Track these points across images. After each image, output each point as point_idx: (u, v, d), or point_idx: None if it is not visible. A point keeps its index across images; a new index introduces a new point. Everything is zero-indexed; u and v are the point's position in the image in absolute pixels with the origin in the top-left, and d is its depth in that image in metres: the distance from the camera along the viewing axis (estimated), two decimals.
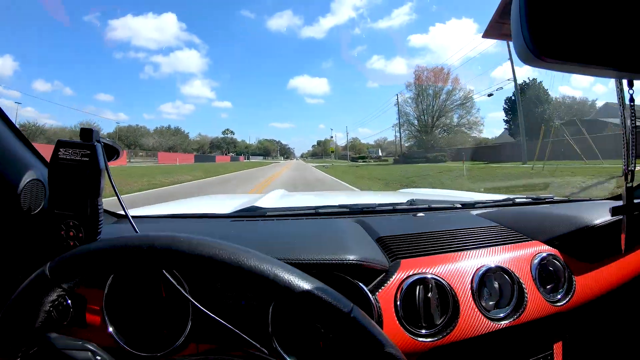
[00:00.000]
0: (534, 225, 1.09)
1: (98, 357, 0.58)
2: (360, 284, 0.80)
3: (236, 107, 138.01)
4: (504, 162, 23.58)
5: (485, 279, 0.89)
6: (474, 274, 0.89)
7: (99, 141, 0.69)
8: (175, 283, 0.74)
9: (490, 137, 46.24)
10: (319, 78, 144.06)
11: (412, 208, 1.43)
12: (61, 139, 0.67)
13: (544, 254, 0.97)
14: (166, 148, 66.19)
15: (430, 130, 44.28)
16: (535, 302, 0.90)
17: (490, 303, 0.87)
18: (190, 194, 2.36)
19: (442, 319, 0.82)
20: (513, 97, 36.30)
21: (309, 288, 0.54)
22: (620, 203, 1.01)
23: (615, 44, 0.39)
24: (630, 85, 0.64)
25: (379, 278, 0.86)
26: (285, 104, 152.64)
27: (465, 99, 42.91)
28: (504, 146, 32.84)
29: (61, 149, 0.67)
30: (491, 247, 0.97)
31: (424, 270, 0.86)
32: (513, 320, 0.87)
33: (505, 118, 40.47)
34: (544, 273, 0.95)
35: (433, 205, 1.45)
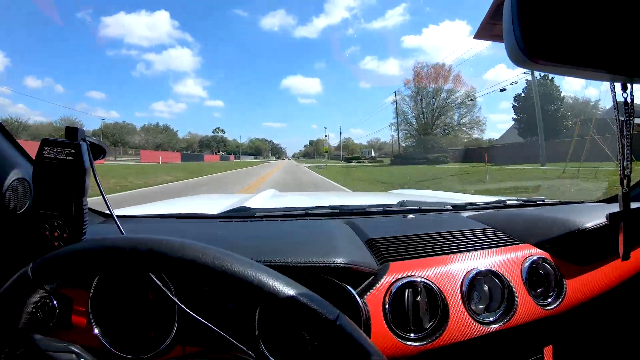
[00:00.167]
0: (524, 228, 1.10)
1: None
2: (348, 287, 0.81)
3: (229, 106, 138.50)
4: (518, 165, 22.09)
5: (475, 283, 0.89)
6: (464, 277, 0.89)
7: (84, 140, 0.70)
8: (161, 285, 0.75)
9: (488, 139, 45.49)
10: (311, 78, 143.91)
11: (402, 209, 1.42)
12: (46, 138, 0.68)
13: (535, 257, 0.98)
14: (153, 146, 65.51)
15: (430, 129, 41.84)
16: (526, 306, 0.91)
17: (480, 307, 0.88)
18: (160, 199, 2.20)
19: (431, 323, 0.83)
20: (523, 94, 33.58)
21: (294, 294, 0.54)
22: (613, 205, 1.03)
23: (608, 47, 0.38)
24: (624, 88, 0.63)
25: (367, 281, 0.86)
26: (278, 104, 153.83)
27: (467, 97, 40.39)
28: (513, 147, 31.04)
29: (46, 148, 0.68)
30: (481, 250, 0.98)
31: (413, 274, 0.87)
32: (503, 324, 0.87)
33: (515, 117, 38.61)
34: (535, 276, 0.96)
35: (424, 207, 1.44)
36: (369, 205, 1.42)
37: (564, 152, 16.95)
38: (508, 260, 0.97)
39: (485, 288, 0.90)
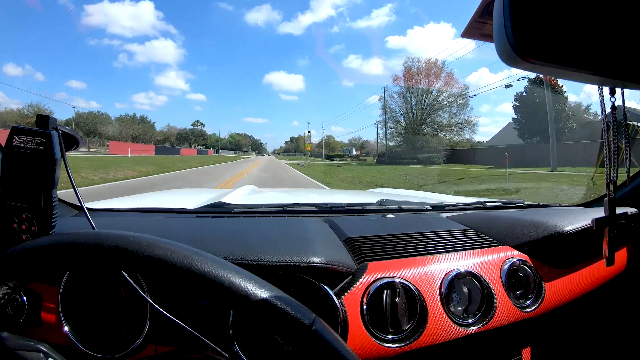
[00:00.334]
0: (504, 230, 1.13)
1: (50, 359, 0.58)
2: (325, 287, 0.81)
3: (210, 100, 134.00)
4: (523, 168, 21.21)
5: (454, 284, 0.91)
6: (443, 278, 0.91)
7: (55, 129, 0.68)
8: (132, 282, 0.73)
9: (477, 141, 44.67)
10: (294, 75, 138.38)
11: (381, 209, 1.43)
12: (16, 126, 0.67)
13: (514, 260, 1.01)
14: (128, 138, 63.46)
15: (419, 128, 39.92)
16: (505, 308, 0.93)
17: (459, 308, 0.90)
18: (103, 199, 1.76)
19: (409, 325, 0.84)
20: (525, 93, 31.52)
21: (267, 297, 0.52)
22: (592, 210, 1.11)
23: (600, 49, 0.38)
24: (612, 92, 0.66)
25: (345, 281, 0.86)
26: (260, 99, 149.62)
27: (460, 96, 38.54)
28: (513, 149, 30.34)
29: (15, 136, 0.66)
30: (461, 252, 1.00)
31: (391, 274, 0.88)
32: (482, 326, 0.89)
33: (515, 117, 36.98)
34: (514, 278, 0.99)
35: (403, 207, 1.45)
36: (348, 204, 1.43)
37: (571, 155, 15.81)
38: (487, 262, 0.99)
39: (465, 290, 0.92)
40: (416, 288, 0.86)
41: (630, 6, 0.37)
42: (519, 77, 29.42)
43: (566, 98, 32.20)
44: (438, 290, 0.89)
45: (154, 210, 1.35)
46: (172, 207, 1.40)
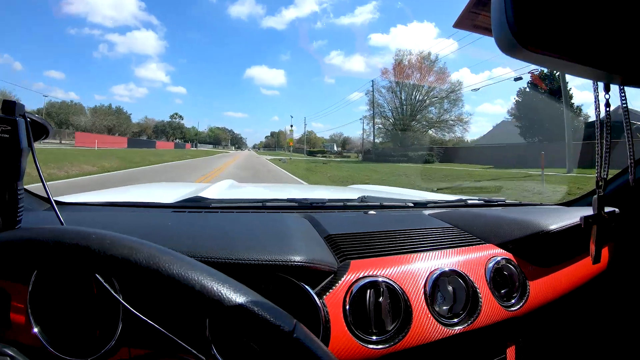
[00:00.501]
0: (488, 228, 1.14)
1: None
2: (306, 286, 0.80)
3: (191, 93, 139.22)
4: (531, 169, 19.97)
5: (438, 283, 0.91)
6: (428, 277, 0.91)
7: (23, 116, 0.64)
8: (102, 280, 0.70)
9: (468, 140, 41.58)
10: (276, 69, 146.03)
11: (363, 205, 1.43)
12: None
13: (499, 258, 1.02)
14: (102, 129, 61.76)
15: (409, 124, 37.21)
16: (490, 307, 0.94)
17: (444, 308, 0.90)
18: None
19: (393, 325, 0.83)
20: (528, 89, 29.63)
21: (244, 302, 0.50)
22: (573, 209, 1.17)
23: (601, 42, 0.37)
24: (607, 89, 0.66)
25: (326, 280, 0.85)
26: (241, 94, 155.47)
27: (452, 91, 36.55)
28: (514, 148, 29.93)
29: None
30: (445, 250, 1.01)
31: (375, 273, 0.87)
32: (467, 325, 0.90)
33: (517, 114, 36.39)
34: (498, 277, 1.00)
35: (385, 203, 1.45)
36: (329, 200, 1.43)
37: (581, 156, 16.50)
38: (472, 260, 0.99)
39: (449, 289, 0.92)
40: (400, 287, 0.86)
41: (636, 2, 0.36)
42: (531, 69, 28.54)
43: (572, 96, 30.80)
44: (422, 290, 0.89)
45: (129, 205, 1.32)
46: (148, 201, 1.37)
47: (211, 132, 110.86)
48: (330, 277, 0.85)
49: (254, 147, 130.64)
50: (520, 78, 29.43)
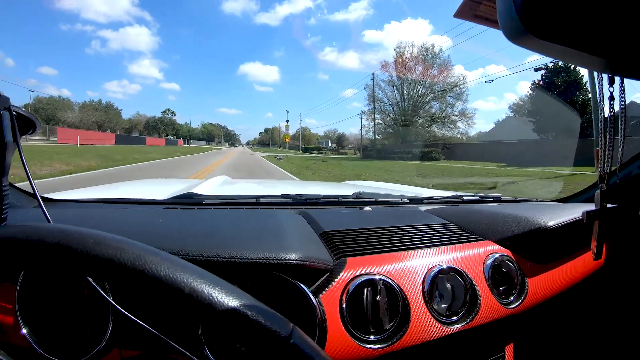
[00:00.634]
0: (485, 225, 1.14)
1: None
2: (301, 285, 0.79)
3: (184, 90, 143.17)
4: (555, 167, 18.31)
5: (436, 280, 0.91)
6: (426, 274, 0.91)
7: (8, 109, 0.63)
8: (91, 279, 0.67)
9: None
10: (270, 66, 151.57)
11: (358, 201, 1.43)
12: None
13: (497, 255, 1.02)
14: (90, 125, 61.42)
15: (412, 120, 35.24)
16: (489, 305, 0.94)
17: (443, 306, 0.90)
18: None
19: (391, 324, 0.83)
20: (542, 82, 27.66)
21: (237, 306, 0.48)
22: (570, 205, 1.19)
23: (612, 32, 0.36)
24: (611, 82, 0.66)
25: (322, 278, 0.85)
26: (235, 90, 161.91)
27: (456, 86, 34.88)
28: (529, 145, 28.45)
29: None
30: (442, 246, 1.01)
31: (371, 270, 0.87)
32: (466, 323, 0.90)
33: (531, 109, 34.01)
34: (497, 274, 1.00)
35: (380, 199, 1.45)
36: (323, 196, 1.43)
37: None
38: (470, 257, 0.99)
39: (448, 286, 0.91)
40: (398, 285, 0.86)
41: None
42: (548, 60, 26.64)
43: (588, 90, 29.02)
44: (420, 287, 0.88)
45: (120, 201, 1.31)
46: (139, 197, 1.36)
47: (204, 129, 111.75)
48: (326, 275, 0.85)
49: (247, 143, 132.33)
50: (542, 68, 27.97)
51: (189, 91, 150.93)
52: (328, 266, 0.85)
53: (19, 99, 60.86)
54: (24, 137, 0.70)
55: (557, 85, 28.03)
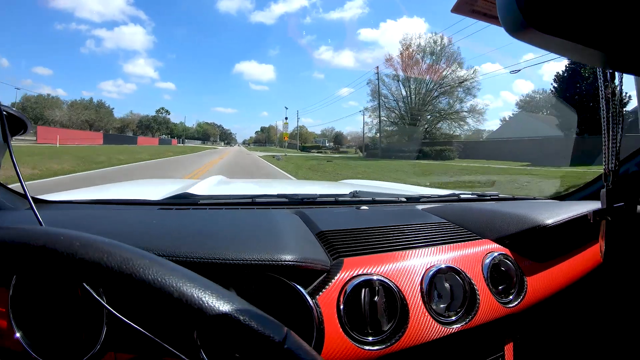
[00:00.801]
0: (483, 223, 1.15)
1: None
2: (297, 286, 0.80)
3: (180, 89, 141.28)
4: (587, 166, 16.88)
5: (435, 280, 0.92)
6: (424, 274, 0.92)
7: None
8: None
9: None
10: (265, 64, 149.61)
11: (355, 200, 1.44)
12: None
13: (495, 254, 1.03)
14: (79, 124, 59.49)
15: (422, 115, 33.11)
16: (488, 304, 0.95)
17: (441, 306, 0.91)
18: None
19: (390, 325, 0.83)
20: (566, 74, 25.40)
21: (228, 311, 0.47)
22: (567, 203, 1.22)
23: (615, 25, 0.35)
24: (613, 78, 0.67)
25: (319, 279, 0.86)
26: (230, 89, 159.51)
27: (465, 80, 32.79)
28: (551, 142, 26.06)
29: None
30: (440, 245, 1.02)
31: (369, 271, 0.88)
32: (465, 323, 0.91)
33: (557, 102, 31.86)
34: (495, 273, 1.02)
35: (377, 198, 1.46)
36: (320, 195, 1.43)
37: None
38: (468, 256, 1.00)
39: (446, 286, 0.92)
40: (396, 285, 0.86)
41: None
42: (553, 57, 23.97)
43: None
44: (419, 287, 0.89)
45: (114, 202, 1.32)
46: (134, 198, 1.36)
47: (200, 128, 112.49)
48: (323, 276, 0.85)
49: (243, 142, 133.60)
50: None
51: (185, 90, 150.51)
52: (325, 267, 0.86)
53: (7, 98, 60.54)
54: (15, 137, 0.70)
55: (584, 77, 26.21)
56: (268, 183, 2.89)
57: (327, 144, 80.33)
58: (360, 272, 0.86)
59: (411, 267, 0.91)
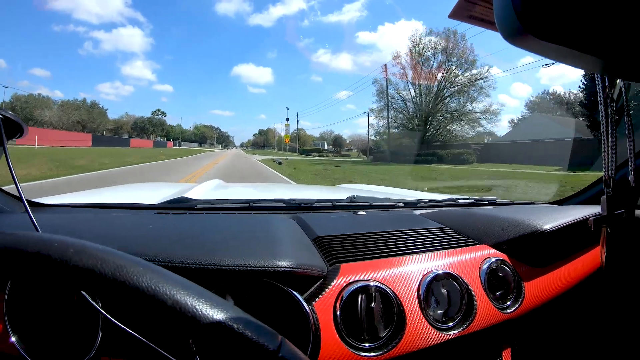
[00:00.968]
0: (480, 228, 1.16)
1: None
2: (294, 292, 0.81)
3: (177, 91, 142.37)
4: None
5: (432, 286, 0.94)
6: (421, 280, 0.93)
7: None
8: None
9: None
10: (263, 67, 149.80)
11: (352, 205, 1.44)
12: None
13: (493, 259, 1.04)
14: (70, 125, 57.70)
15: (432, 117, 31.21)
16: (485, 310, 0.96)
17: (439, 312, 0.92)
18: None
19: (387, 331, 0.84)
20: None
21: (222, 319, 0.47)
22: (565, 207, 1.24)
23: (613, 32, 0.35)
24: (611, 84, 0.67)
25: (316, 285, 0.86)
26: (228, 92, 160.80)
27: (480, 78, 30.45)
28: (579, 144, 23.60)
29: None
30: (438, 251, 1.03)
31: (366, 277, 0.89)
32: (463, 329, 0.92)
33: (584, 100, 30.03)
34: (493, 279, 1.03)
35: (374, 203, 1.47)
36: (317, 200, 1.43)
37: None
38: (465, 262, 1.01)
39: (444, 292, 0.94)
40: (392, 291, 0.87)
41: None
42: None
43: None
44: (416, 293, 0.90)
45: (111, 206, 1.32)
46: (131, 202, 1.37)
47: (197, 130, 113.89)
48: (319, 282, 0.86)
49: (241, 145, 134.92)
50: None
51: (183, 93, 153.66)
52: (321, 273, 0.86)
53: None
54: (10, 140, 0.72)
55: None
56: (265, 187, 2.96)
57: (327, 147, 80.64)
58: (357, 278, 0.86)
59: (408, 272, 0.92)
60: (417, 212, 1.40)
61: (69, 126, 59.73)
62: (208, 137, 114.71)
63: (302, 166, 26.45)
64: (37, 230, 0.71)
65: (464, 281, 0.95)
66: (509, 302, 1.00)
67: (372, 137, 45.11)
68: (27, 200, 1.05)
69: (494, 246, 1.09)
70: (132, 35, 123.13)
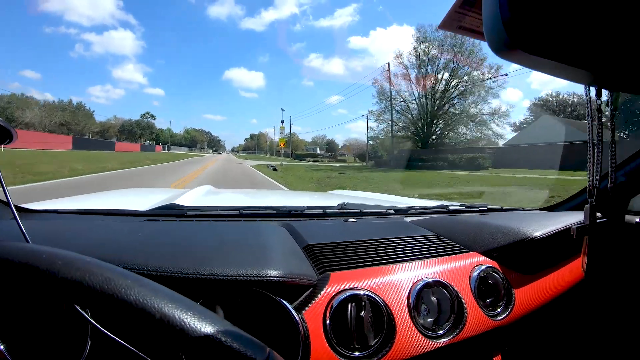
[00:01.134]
0: (471, 236, 1.17)
1: None
2: (283, 301, 0.81)
3: (169, 95, 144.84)
4: None
5: (422, 294, 0.96)
6: (411, 288, 0.95)
7: None
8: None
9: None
10: (255, 72, 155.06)
11: (342, 212, 1.45)
12: None
13: (483, 267, 1.06)
14: (52, 127, 55.01)
15: (439, 120, 29.91)
16: (475, 318, 0.98)
17: (429, 320, 0.93)
18: None
19: (376, 340, 0.85)
20: None
21: (210, 332, 0.47)
22: (555, 214, 1.24)
23: (600, 46, 0.36)
24: (599, 95, 0.67)
25: (305, 294, 0.88)
26: (219, 96, 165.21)
27: (490, 78, 28.70)
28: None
29: None
30: (428, 259, 1.05)
31: (356, 285, 0.91)
32: (453, 337, 0.93)
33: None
34: (483, 286, 1.05)
35: (365, 210, 1.48)
36: (307, 207, 1.43)
37: None
38: (456, 270, 1.03)
39: (434, 300, 0.95)
40: (382, 300, 0.89)
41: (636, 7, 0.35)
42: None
43: None
44: (406, 302, 0.91)
45: (100, 213, 1.32)
46: (121, 208, 1.37)
47: (187, 134, 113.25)
48: (309, 291, 0.87)
49: (232, 150, 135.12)
50: None
51: (174, 97, 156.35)
52: (311, 282, 0.88)
53: None
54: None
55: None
56: (256, 193, 2.95)
57: (320, 152, 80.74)
58: (346, 287, 0.88)
59: (398, 281, 0.94)
60: (408, 219, 1.40)
61: (52, 128, 58.47)
62: (198, 142, 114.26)
63: (299, 172, 25.07)
64: (26, 237, 0.71)
65: (454, 289, 0.97)
66: (499, 310, 1.02)
67: (371, 142, 44.81)
68: (15, 206, 0.99)
69: (484, 253, 1.10)
70: (123, 38, 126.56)
